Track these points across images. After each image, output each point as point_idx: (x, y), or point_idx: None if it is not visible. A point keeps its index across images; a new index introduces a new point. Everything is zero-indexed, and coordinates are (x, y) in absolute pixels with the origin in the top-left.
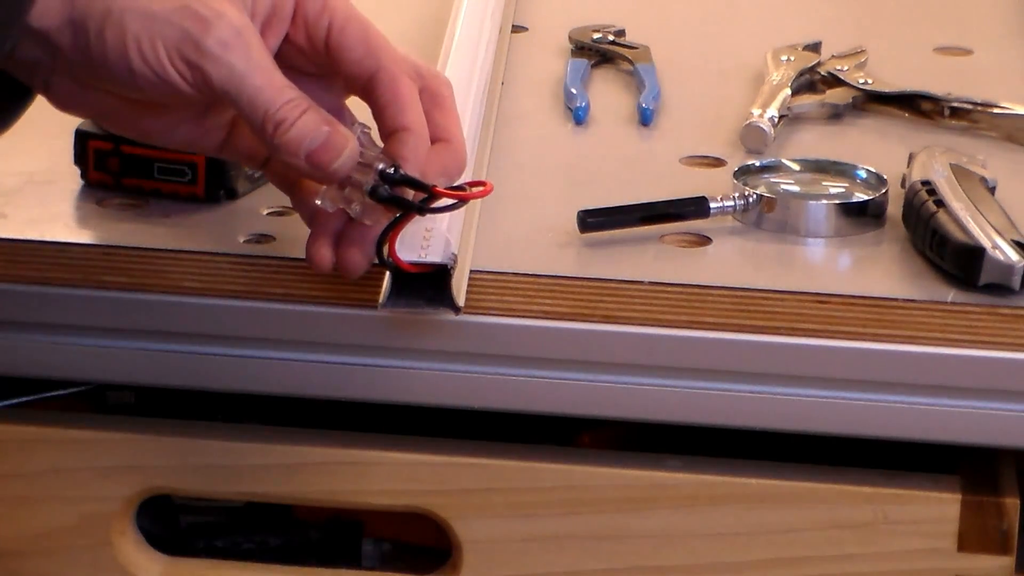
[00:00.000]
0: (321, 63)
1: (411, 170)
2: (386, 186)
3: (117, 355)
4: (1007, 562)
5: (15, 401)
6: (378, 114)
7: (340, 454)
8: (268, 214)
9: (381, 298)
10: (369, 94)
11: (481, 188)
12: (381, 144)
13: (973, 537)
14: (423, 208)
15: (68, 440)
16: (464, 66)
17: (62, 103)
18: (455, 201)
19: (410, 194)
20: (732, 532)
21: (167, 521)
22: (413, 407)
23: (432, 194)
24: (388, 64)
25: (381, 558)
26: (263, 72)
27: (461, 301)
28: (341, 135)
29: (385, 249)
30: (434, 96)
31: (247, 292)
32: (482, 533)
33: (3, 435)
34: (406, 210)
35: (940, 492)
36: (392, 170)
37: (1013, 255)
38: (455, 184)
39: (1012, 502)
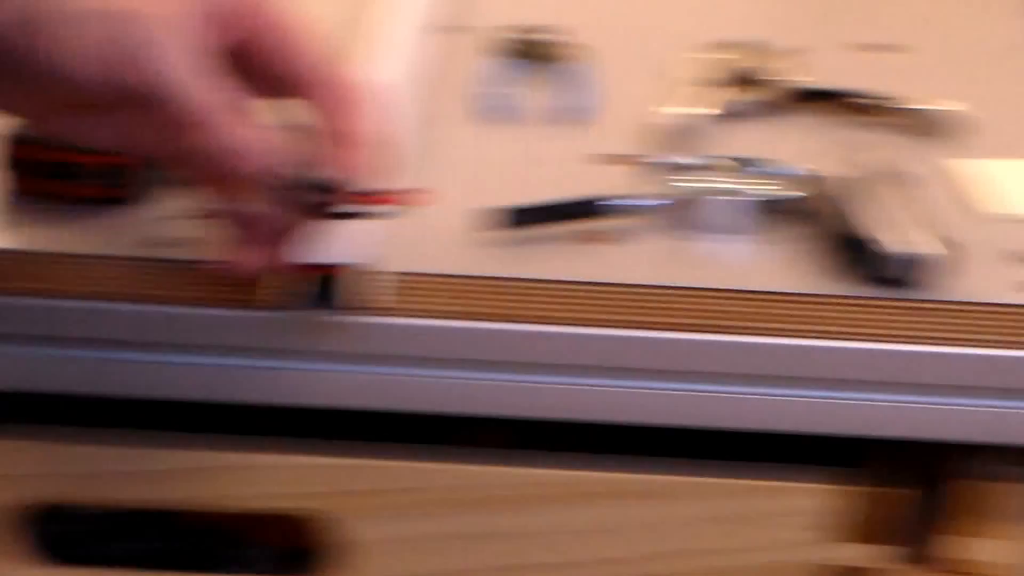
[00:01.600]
0: (249, 64)
1: (335, 174)
2: (308, 189)
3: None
4: (883, 551)
5: None
6: (306, 116)
7: (226, 458)
8: (179, 218)
9: (282, 299)
10: (296, 97)
11: (409, 196)
12: (304, 146)
13: (847, 527)
14: (347, 213)
15: None
16: (388, 65)
17: None
18: (381, 207)
19: (331, 197)
20: (603, 528)
21: (48, 530)
22: (306, 409)
23: (358, 199)
24: (320, 69)
25: (265, 562)
26: (191, 73)
27: (363, 301)
28: (268, 138)
29: (294, 250)
30: (356, 101)
31: (147, 296)
32: (368, 534)
33: None
34: (330, 215)
35: (811, 483)
36: (316, 173)
37: (921, 249)
38: (379, 188)
39: (889, 491)
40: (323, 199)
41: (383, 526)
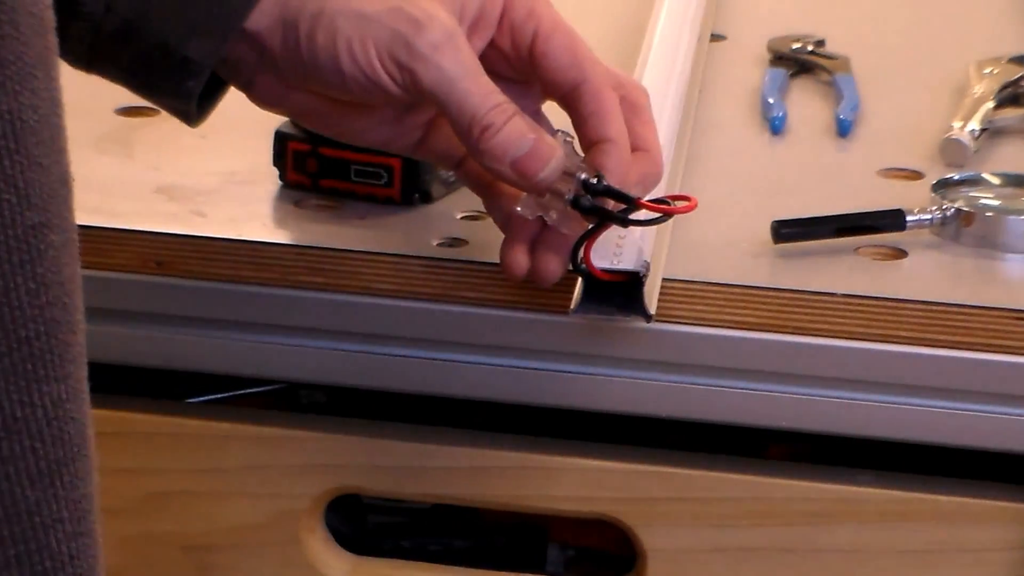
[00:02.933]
0: (522, 69)
1: (614, 181)
2: (588, 196)
3: (310, 354)
4: None
5: (211, 397)
6: (580, 124)
7: (528, 459)
8: (461, 218)
9: (573, 304)
10: (571, 103)
11: (686, 203)
12: (581, 153)
13: None
14: (626, 220)
15: (261, 437)
16: (661, 73)
17: (264, 101)
18: (659, 215)
19: (610, 204)
20: (924, 549)
21: (355, 520)
22: (600, 414)
23: (636, 207)
24: (593, 75)
25: (565, 564)
26: (472, 76)
27: (653, 309)
28: (547, 144)
29: (580, 256)
30: (633, 105)
31: (439, 295)
32: (667, 542)
33: (198, 430)
34: (609, 221)
35: None
36: (595, 180)
37: None
38: (653, 196)
39: None
40: (609, 206)
41: (676, 535)
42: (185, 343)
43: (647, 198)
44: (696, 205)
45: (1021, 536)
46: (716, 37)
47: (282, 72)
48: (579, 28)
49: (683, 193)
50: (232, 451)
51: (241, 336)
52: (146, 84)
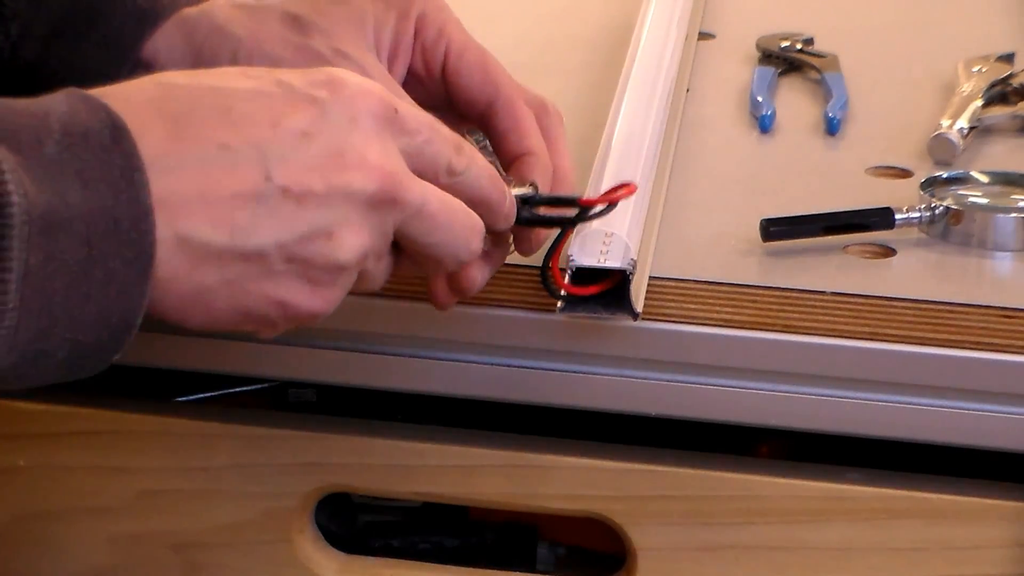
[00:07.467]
0: (436, 93)
1: (543, 191)
2: (528, 208)
3: (299, 353)
4: None
5: (200, 396)
6: (498, 139)
7: (517, 457)
8: None
9: (560, 303)
10: (488, 120)
11: (626, 189)
12: (502, 171)
13: None
14: (575, 221)
15: (250, 436)
16: (649, 72)
17: None
18: (603, 207)
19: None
20: (912, 547)
21: (345, 519)
22: (589, 412)
23: (580, 206)
24: (507, 90)
25: (555, 562)
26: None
27: (640, 307)
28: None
29: (550, 277)
30: (545, 128)
31: (425, 293)
32: (657, 540)
33: (187, 429)
34: (555, 226)
35: None
36: (533, 192)
37: None
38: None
39: None
40: (551, 211)
41: (666, 533)
42: (174, 342)
43: (594, 196)
44: (636, 189)
45: (1011, 534)
46: (704, 35)
47: None
48: (566, 27)
49: (624, 181)
50: (222, 450)
51: (230, 335)
52: None
